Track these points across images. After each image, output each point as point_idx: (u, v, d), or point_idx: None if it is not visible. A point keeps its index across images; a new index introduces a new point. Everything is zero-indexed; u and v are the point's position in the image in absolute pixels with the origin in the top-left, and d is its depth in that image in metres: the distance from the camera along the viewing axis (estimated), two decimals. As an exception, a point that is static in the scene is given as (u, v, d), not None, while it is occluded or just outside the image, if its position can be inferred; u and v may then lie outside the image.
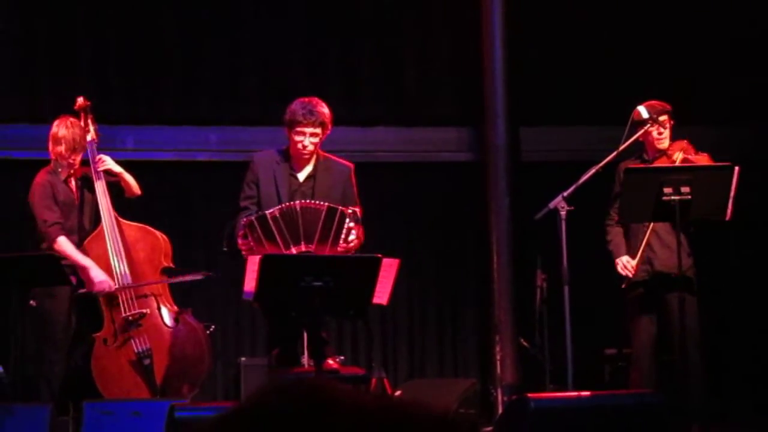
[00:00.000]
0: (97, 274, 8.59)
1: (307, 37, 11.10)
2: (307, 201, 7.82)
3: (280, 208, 7.73)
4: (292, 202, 7.83)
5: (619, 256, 8.27)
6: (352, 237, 7.70)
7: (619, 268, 8.22)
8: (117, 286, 8.62)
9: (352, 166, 8.34)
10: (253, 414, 1.00)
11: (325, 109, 8.04)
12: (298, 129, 7.97)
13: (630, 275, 8.18)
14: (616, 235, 8.34)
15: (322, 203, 7.78)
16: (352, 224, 7.69)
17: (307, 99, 8.11)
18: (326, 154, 8.23)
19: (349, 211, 7.73)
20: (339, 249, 7.66)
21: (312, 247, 7.61)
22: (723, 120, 10.55)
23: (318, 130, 8.00)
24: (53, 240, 8.60)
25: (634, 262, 8.17)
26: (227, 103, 10.93)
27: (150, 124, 10.81)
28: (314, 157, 8.13)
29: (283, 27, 11.07)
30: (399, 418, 1.03)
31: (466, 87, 11.18)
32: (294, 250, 7.59)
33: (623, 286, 8.25)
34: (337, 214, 7.69)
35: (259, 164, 8.18)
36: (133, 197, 8.89)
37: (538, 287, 9.35)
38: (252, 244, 7.59)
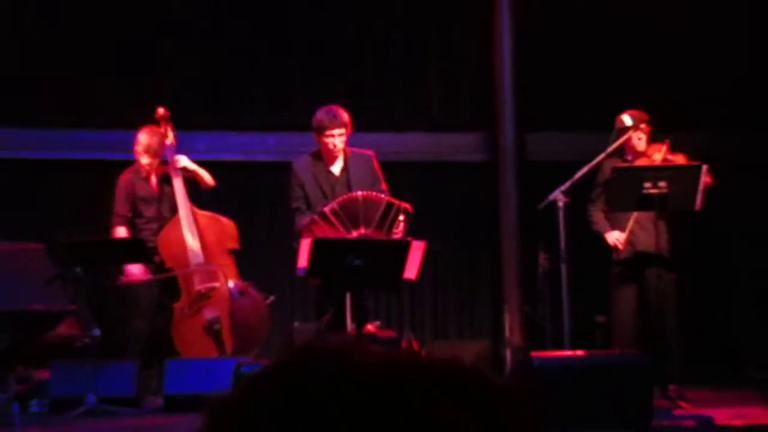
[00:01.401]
0: (131, 267, 8.73)
1: (349, 60, 11.16)
2: (369, 192, 7.88)
3: (339, 201, 7.78)
4: (353, 193, 7.87)
5: (607, 232, 8.29)
6: (399, 229, 7.77)
7: (611, 241, 8.25)
8: (150, 277, 8.76)
9: (372, 152, 8.40)
10: (276, 370, 0.97)
11: (344, 113, 8.12)
12: (327, 133, 8.04)
13: (621, 247, 8.21)
14: (600, 217, 8.36)
15: (383, 196, 7.85)
16: (402, 217, 7.74)
17: (327, 107, 8.19)
18: (350, 148, 8.27)
19: (402, 207, 7.80)
20: (390, 237, 7.74)
21: (370, 231, 7.67)
22: (706, 127, 10.55)
23: (343, 130, 8.07)
24: (113, 228, 8.81)
25: (624, 236, 8.20)
26: (281, 111, 10.98)
27: (218, 129, 10.86)
28: (342, 152, 8.20)
29: (327, 51, 11.14)
30: (412, 365, 0.95)
31: (480, 99, 11.20)
32: (355, 234, 7.65)
33: (620, 255, 8.27)
34: (394, 208, 7.76)
35: (299, 169, 8.22)
36: (208, 188, 8.98)
37: (540, 265, 9.36)
38: (316, 233, 7.63)
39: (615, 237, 8.24)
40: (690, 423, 6.86)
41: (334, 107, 8.17)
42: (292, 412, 0.88)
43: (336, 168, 8.20)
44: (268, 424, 0.87)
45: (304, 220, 7.93)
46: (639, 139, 8.18)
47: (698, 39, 11.05)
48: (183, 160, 8.87)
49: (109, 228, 8.85)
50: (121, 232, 8.80)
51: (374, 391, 0.89)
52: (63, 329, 8.80)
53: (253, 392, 0.91)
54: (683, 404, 7.65)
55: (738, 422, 6.68)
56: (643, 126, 8.14)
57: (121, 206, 8.84)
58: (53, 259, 8.46)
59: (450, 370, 0.93)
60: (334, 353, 0.94)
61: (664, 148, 8.12)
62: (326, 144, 8.09)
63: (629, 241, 8.25)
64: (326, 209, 7.77)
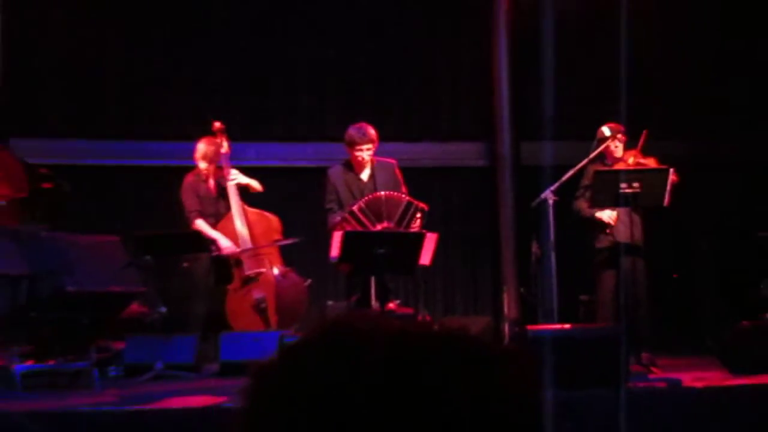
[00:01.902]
0: (224, 243, 8.74)
1: (374, 82, 11.21)
2: (391, 192, 7.83)
3: (366, 200, 7.73)
4: (377, 193, 7.83)
5: (598, 212, 8.14)
6: (416, 224, 7.72)
7: (606, 218, 8.13)
8: (239, 250, 8.74)
9: (395, 161, 8.35)
10: (310, 341, 0.95)
11: (372, 130, 8.07)
12: (357, 147, 7.99)
13: (613, 223, 8.15)
14: (585, 206, 8.24)
15: (403, 196, 7.80)
16: (419, 215, 7.71)
17: (358, 125, 8.13)
18: (376, 158, 8.23)
19: (420, 206, 7.76)
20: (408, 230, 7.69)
21: (391, 225, 7.63)
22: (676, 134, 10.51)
23: (370, 146, 8.03)
24: (192, 222, 8.76)
25: (615, 214, 8.13)
26: (318, 125, 11.02)
27: (265, 140, 10.91)
28: (369, 162, 8.16)
29: (357, 75, 11.18)
30: (423, 335, 0.94)
31: (481, 115, 11.21)
32: (379, 227, 7.61)
33: (602, 244, 8.23)
34: (412, 207, 7.72)
35: (333, 176, 8.17)
36: (256, 192, 8.99)
37: (533, 253, 9.33)
38: (348, 229, 7.60)
39: (608, 215, 8.15)
40: (661, 385, 6.82)
41: (364, 125, 8.11)
42: (323, 376, 0.87)
43: (364, 175, 8.16)
44: (303, 386, 0.87)
45: (335, 218, 7.92)
46: (616, 147, 8.16)
47: (672, 59, 11.05)
48: (237, 177, 8.86)
49: (188, 224, 8.84)
50: (200, 224, 8.79)
51: (395, 357, 0.88)
52: (135, 307, 8.82)
53: (290, 359, 0.91)
54: (654, 369, 7.65)
55: (699, 384, 6.66)
56: (619, 136, 8.13)
57: (192, 203, 8.84)
58: (127, 249, 8.47)
59: (459, 339, 0.92)
60: (360, 327, 0.93)
61: (635, 153, 8.10)
62: (356, 156, 8.04)
63: (610, 231, 8.22)
64: (354, 208, 7.73)
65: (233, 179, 8.82)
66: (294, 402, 0.87)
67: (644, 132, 8.07)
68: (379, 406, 0.84)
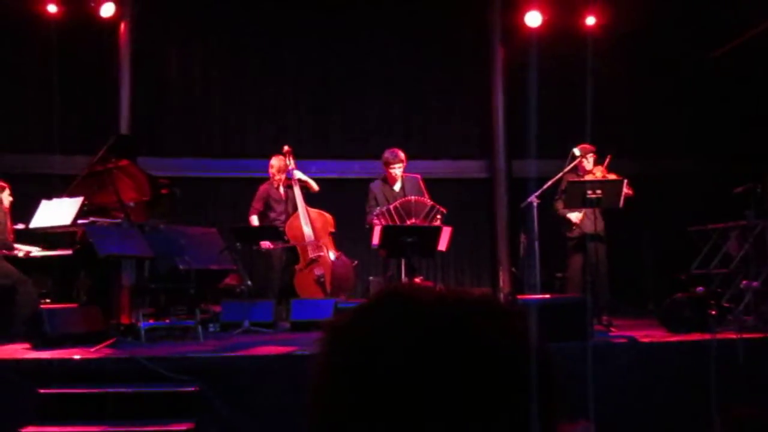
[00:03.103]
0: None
1: (405, 120, 11.25)
2: (420, 197, 7.81)
3: (400, 202, 7.74)
4: (406, 198, 7.82)
5: (569, 213, 8.08)
6: (437, 222, 7.69)
7: (575, 218, 8.07)
8: (298, 243, 8.75)
9: (419, 175, 8.33)
10: (366, 306, 0.93)
11: (402, 153, 8.10)
12: (391, 166, 8.04)
13: (578, 221, 8.10)
14: (561, 206, 8.17)
15: (428, 201, 7.80)
16: (439, 216, 7.70)
17: (391, 150, 8.17)
18: (405, 174, 8.21)
19: (441, 208, 7.74)
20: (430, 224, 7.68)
21: (418, 221, 7.61)
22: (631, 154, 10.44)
23: (401, 165, 8.06)
24: (249, 217, 8.89)
25: (581, 214, 8.07)
26: (361, 147, 11.04)
27: (323, 159, 10.95)
28: (400, 177, 8.16)
29: (391, 114, 11.18)
30: (456, 298, 0.91)
31: (483, 139, 11.21)
32: (408, 222, 7.60)
33: (572, 234, 8.17)
34: (435, 209, 7.71)
35: (373, 188, 8.19)
36: (315, 192, 9.01)
37: (521, 242, 9.31)
38: (384, 222, 7.62)
39: (576, 216, 8.13)
40: (621, 340, 6.76)
41: (396, 150, 8.15)
42: (386, 329, 0.86)
43: (396, 187, 8.17)
44: (369, 336, 0.87)
45: (374, 213, 7.94)
46: (587, 163, 8.09)
47: (626, 99, 11.01)
48: (299, 174, 8.93)
49: (247, 216, 8.91)
50: (254, 220, 8.87)
51: (437, 313, 0.88)
52: (229, 280, 8.86)
53: (359, 317, 0.90)
54: (612, 329, 7.58)
55: (646, 340, 6.60)
56: (590, 155, 8.07)
57: (257, 203, 8.93)
58: (223, 238, 8.51)
59: (484, 300, 0.91)
60: (409, 292, 0.92)
61: (601, 168, 8.03)
62: (390, 173, 8.09)
63: (577, 225, 8.17)
64: (391, 206, 7.76)
65: (296, 176, 8.91)
66: (362, 349, 0.86)
67: (608, 156, 8.01)
68: (430, 350, 0.84)
